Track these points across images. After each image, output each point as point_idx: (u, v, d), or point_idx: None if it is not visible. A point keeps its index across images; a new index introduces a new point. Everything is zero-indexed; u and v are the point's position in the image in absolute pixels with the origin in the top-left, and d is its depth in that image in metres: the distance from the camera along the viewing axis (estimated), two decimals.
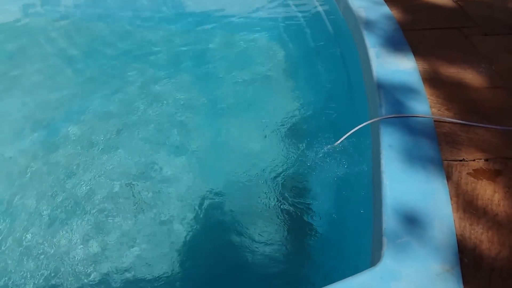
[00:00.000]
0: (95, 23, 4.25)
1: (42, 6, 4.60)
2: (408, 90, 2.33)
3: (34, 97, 3.27)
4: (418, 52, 2.64)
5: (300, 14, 4.07)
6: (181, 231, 2.27)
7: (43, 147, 2.82)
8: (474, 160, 1.93)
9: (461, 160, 1.92)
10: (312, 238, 2.19)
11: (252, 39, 3.78)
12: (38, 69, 3.61)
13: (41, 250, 2.23)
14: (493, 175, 1.86)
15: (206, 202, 2.39)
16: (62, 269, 2.14)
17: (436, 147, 1.97)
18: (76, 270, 2.14)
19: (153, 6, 4.55)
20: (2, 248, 2.25)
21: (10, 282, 2.12)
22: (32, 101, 3.25)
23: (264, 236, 2.20)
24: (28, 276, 2.14)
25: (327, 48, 3.48)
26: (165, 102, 3.10)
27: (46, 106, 3.17)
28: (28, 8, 4.56)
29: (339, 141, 2.29)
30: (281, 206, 2.32)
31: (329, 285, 1.47)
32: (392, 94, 2.29)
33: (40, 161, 2.71)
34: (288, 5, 4.24)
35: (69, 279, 2.11)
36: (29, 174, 2.63)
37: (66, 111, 3.11)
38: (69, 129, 2.92)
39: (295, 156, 2.52)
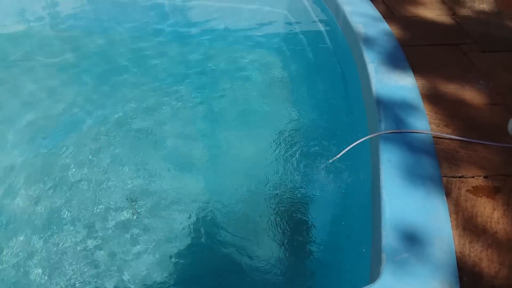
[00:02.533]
0: (96, 35, 4.27)
1: (43, 17, 4.62)
2: (407, 106, 2.34)
3: (35, 108, 3.27)
4: (416, 68, 2.66)
5: (299, 29, 4.10)
6: (176, 243, 2.26)
7: (42, 157, 2.81)
8: (473, 177, 1.93)
9: (460, 177, 1.93)
10: (310, 254, 2.17)
11: (251, 53, 3.79)
12: (38, 79, 3.62)
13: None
14: (493, 192, 1.86)
15: (199, 215, 2.38)
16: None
17: (436, 163, 1.98)
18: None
19: (154, 18, 4.58)
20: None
21: None
22: (33, 111, 3.24)
23: (261, 251, 2.18)
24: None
25: (326, 63, 3.51)
26: (162, 113, 3.11)
27: (46, 117, 3.16)
28: (29, 18, 4.59)
29: (338, 156, 2.29)
30: (279, 221, 2.30)
31: None
32: (392, 110, 2.30)
33: (39, 171, 2.70)
34: (287, 20, 4.28)
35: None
36: (28, 184, 2.61)
37: (66, 122, 3.11)
38: (69, 140, 2.92)
39: (293, 170, 2.51)
